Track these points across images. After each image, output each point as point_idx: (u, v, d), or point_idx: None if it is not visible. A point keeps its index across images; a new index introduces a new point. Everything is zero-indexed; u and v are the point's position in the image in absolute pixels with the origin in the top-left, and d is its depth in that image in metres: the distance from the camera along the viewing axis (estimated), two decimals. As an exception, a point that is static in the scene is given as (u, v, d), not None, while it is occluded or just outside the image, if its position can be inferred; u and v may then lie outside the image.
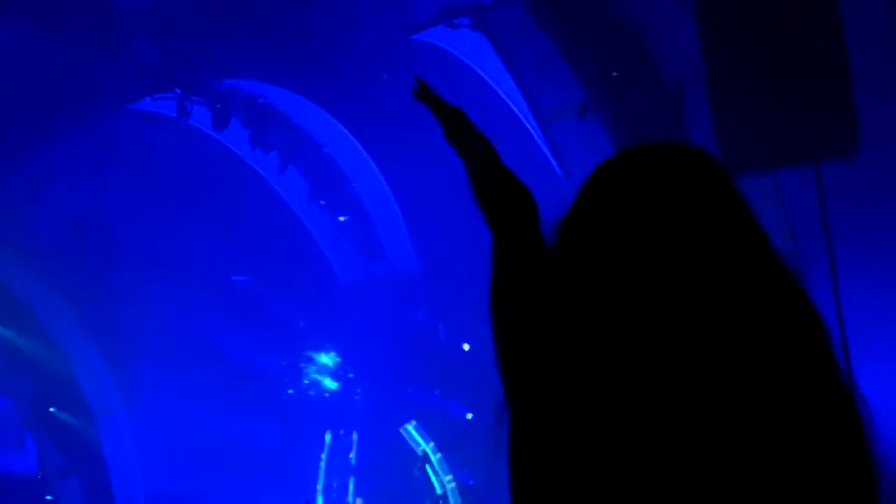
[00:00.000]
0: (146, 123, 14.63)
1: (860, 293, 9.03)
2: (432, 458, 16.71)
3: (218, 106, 14.91)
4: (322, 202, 17.10)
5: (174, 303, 15.57)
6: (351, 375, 17.59)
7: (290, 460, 17.27)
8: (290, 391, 17.52)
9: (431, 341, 17.05)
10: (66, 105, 13.02)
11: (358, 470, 17.52)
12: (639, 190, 1.81)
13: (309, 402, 17.55)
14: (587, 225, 1.83)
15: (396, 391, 17.03)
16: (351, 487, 17.55)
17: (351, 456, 17.62)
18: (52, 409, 15.79)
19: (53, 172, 14.32)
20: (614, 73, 11.03)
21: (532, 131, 14.02)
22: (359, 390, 17.58)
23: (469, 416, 16.75)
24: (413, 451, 16.90)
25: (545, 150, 13.36)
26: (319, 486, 17.44)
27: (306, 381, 17.57)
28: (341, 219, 17.29)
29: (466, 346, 17.04)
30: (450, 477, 16.52)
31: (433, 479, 16.57)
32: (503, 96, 14.55)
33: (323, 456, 17.54)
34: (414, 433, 16.93)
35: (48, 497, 16.04)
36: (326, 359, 17.60)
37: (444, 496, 16.56)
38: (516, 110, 14.44)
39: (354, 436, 17.64)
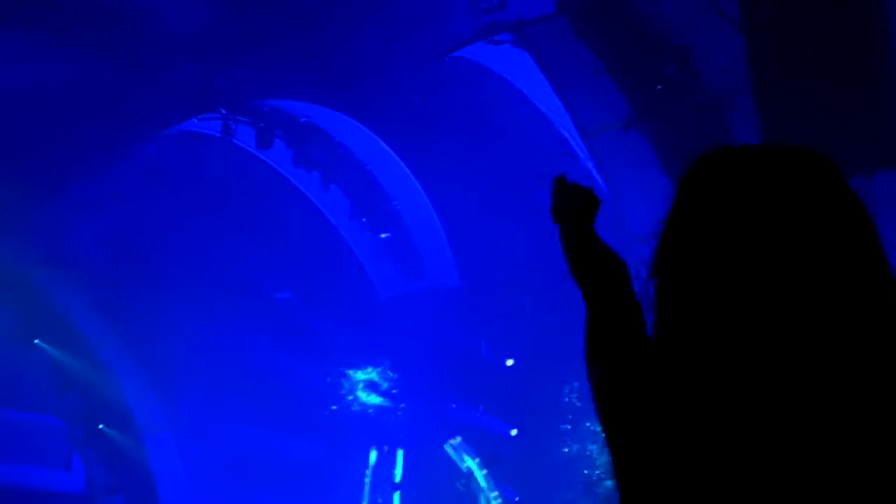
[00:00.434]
0: (191, 144, 14.78)
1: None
2: (477, 473, 16.68)
3: (262, 125, 15.03)
4: (364, 219, 17.17)
5: (218, 321, 15.68)
6: (394, 391, 17.60)
7: (335, 476, 17.30)
8: (334, 407, 17.57)
9: (474, 358, 17.05)
10: (112, 127, 13.16)
11: (403, 486, 17.52)
12: (751, 195, 1.74)
13: (352, 419, 17.58)
14: (695, 237, 1.78)
15: (440, 407, 17.04)
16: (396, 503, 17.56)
17: (395, 472, 17.63)
18: (100, 427, 15.92)
19: (99, 194, 14.46)
20: (659, 87, 11.00)
21: (576, 147, 14.01)
22: (402, 406, 17.59)
23: (514, 432, 16.72)
24: (457, 467, 16.88)
25: (589, 165, 13.35)
26: (364, 502, 17.46)
27: (349, 398, 17.60)
28: (383, 236, 17.35)
29: (510, 362, 17.04)
30: (496, 493, 16.49)
31: (479, 495, 16.54)
32: (546, 112, 14.56)
33: (367, 472, 17.56)
34: (459, 449, 16.91)
35: (96, 515, 16.18)
36: (369, 375, 17.63)
37: (489, 511, 16.54)
38: (558, 125, 14.45)
39: (399, 452, 17.65)
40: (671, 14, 10.94)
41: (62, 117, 12.82)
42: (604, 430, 1.86)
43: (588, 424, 15.17)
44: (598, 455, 14.90)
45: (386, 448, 17.64)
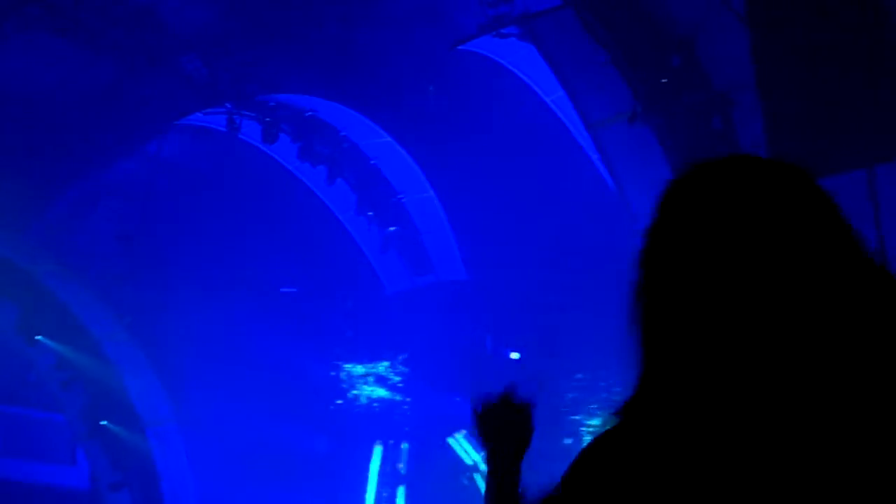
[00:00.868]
0: (196, 139, 14.79)
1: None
2: (482, 467, 16.67)
3: (267, 120, 15.03)
4: (370, 213, 17.17)
5: (224, 315, 15.70)
6: (400, 385, 17.61)
7: (340, 470, 17.32)
8: (339, 401, 17.58)
9: (479, 351, 17.04)
10: (117, 122, 13.18)
11: (408, 480, 17.54)
12: (728, 203, 1.77)
13: (358, 412, 17.60)
14: (677, 244, 1.80)
15: (445, 401, 17.04)
16: (401, 497, 17.57)
17: (400, 466, 17.64)
18: (103, 423, 15.92)
19: (104, 189, 14.49)
20: (664, 80, 10.97)
21: (580, 139, 13.99)
22: (408, 400, 17.60)
23: (515, 355, 16.67)
24: (462, 461, 16.88)
25: (594, 157, 13.33)
26: (370, 496, 17.47)
27: (355, 392, 17.62)
28: (390, 230, 17.35)
29: (515, 355, 17.03)
30: (501, 486, 16.46)
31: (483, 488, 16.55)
32: (550, 104, 14.54)
33: (373, 466, 17.58)
34: (463, 443, 16.91)
35: (101, 510, 16.20)
36: (375, 369, 17.64)
37: (495, 505, 16.52)
38: (564, 118, 14.43)
39: (404, 445, 17.66)
40: (676, 6, 10.91)
41: (67, 113, 12.86)
42: None
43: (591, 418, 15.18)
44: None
45: (391, 442, 17.65)
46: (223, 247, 15.45)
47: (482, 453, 2.22)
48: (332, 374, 17.59)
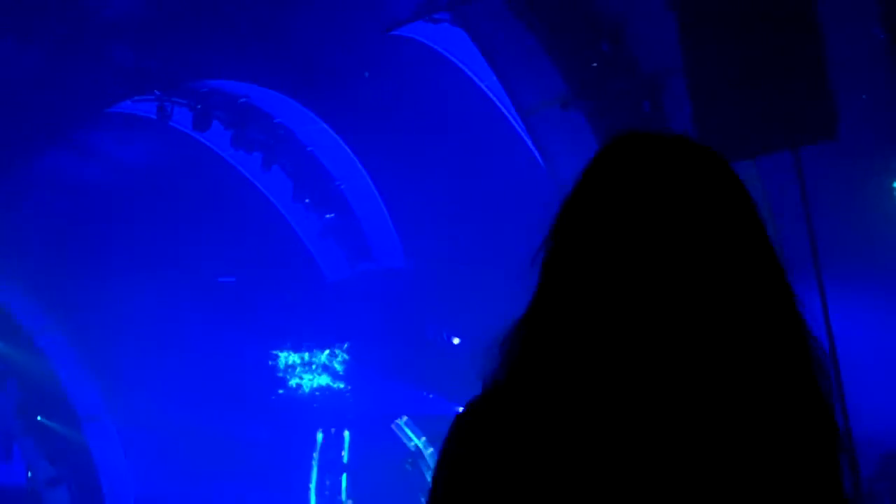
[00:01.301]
0: (126, 127, 14.57)
1: (840, 268, 9.13)
2: (424, 452, 16.69)
3: (199, 107, 14.85)
4: (307, 200, 17.05)
5: (159, 306, 15.52)
6: (341, 373, 17.56)
7: (283, 460, 17.25)
8: (280, 391, 17.50)
9: (420, 337, 17.04)
10: (45, 112, 12.93)
11: (350, 467, 17.52)
12: (638, 180, 1.77)
13: (299, 402, 17.53)
14: (584, 220, 1.79)
15: (386, 388, 17.02)
16: (344, 485, 17.55)
17: (343, 454, 17.61)
18: (39, 418, 15.73)
19: (34, 181, 14.24)
20: (594, 65, 11.00)
21: (514, 124, 13.99)
22: (349, 388, 17.56)
23: (460, 409, 16.73)
24: (405, 447, 16.89)
25: (527, 141, 13.34)
26: (312, 485, 17.43)
27: (296, 381, 17.54)
28: (327, 216, 17.25)
29: (456, 340, 17.05)
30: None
31: (426, 473, 16.57)
32: (485, 90, 14.52)
33: (315, 455, 17.53)
34: (405, 428, 16.92)
35: (38, 506, 16.01)
36: (316, 357, 17.57)
37: (437, 491, 16.57)
38: (498, 103, 14.41)
39: (346, 433, 17.63)
40: (605, -9, 10.95)
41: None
42: None
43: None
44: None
45: (333, 430, 17.61)
46: (157, 237, 15.25)
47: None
48: (273, 363, 17.50)
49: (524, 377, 1.74)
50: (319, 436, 17.57)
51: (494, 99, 14.48)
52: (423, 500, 16.14)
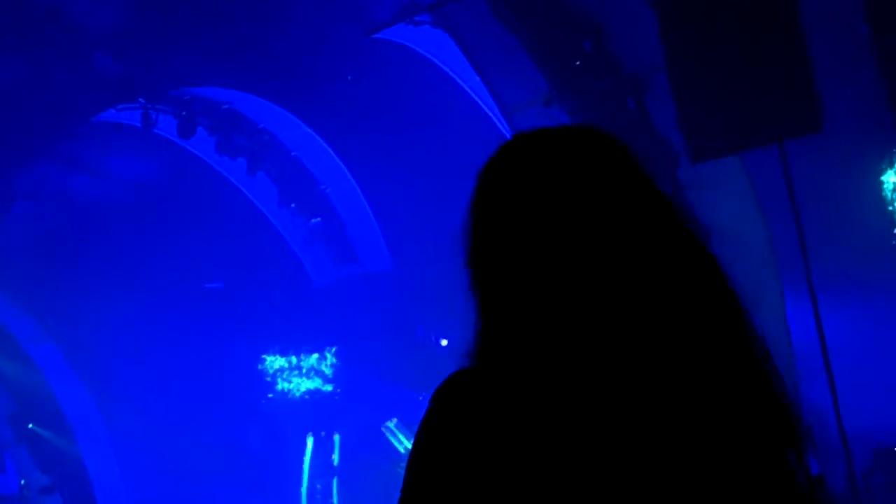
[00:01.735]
0: (111, 135, 14.56)
1: (830, 262, 9.20)
2: (415, 455, 16.70)
3: (183, 114, 14.85)
4: (293, 205, 17.06)
5: (149, 313, 15.51)
6: (331, 376, 17.57)
7: (274, 464, 17.24)
8: (270, 395, 17.49)
9: (409, 339, 17.05)
10: (29, 123, 12.92)
11: (341, 471, 17.52)
12: (540, 172, 1.82)
13: (289, 406, 17.52)
14: (491, 217, 1.83)
15: (376, 390, 17.04)
16: (335, 489, 17.55)
17: (333, 457, 17.62)
18: (31, 426, 15.69)
19: (20, 191, 14.22)
20: (577, 63, 11.06)
21: (499, 124, 14.04)
22: (339, 391, 17.57)
23: (444, 342, 16.72)
24: (395, 449, 16.90)
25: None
26: (303, 489, 17.43)
27: (286, 385, 17.53)
28: (313, 221, 17.26)
29: (444, 342, 17.07)
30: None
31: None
32: (468, 90, 14.57)
33: (305, 458, 17.53)
34: (395, 431, 16.93)
35: (30, 516, 15.98)
36: (305, 361, 17.57)
37: (429, 492, 16.55)
38: (482, 104, 14.46)
39: (336, 437, 17.63)
40: (586, -10, 11.02)
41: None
42: None
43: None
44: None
45: (323, 433, 17.61)
46: (145, 244, 15.25)
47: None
48: (262, 367, 17.49)
49: (489, 364, 1.81)
50: (310, 439, 17.58)
51: (478, 99, 14.53)
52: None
